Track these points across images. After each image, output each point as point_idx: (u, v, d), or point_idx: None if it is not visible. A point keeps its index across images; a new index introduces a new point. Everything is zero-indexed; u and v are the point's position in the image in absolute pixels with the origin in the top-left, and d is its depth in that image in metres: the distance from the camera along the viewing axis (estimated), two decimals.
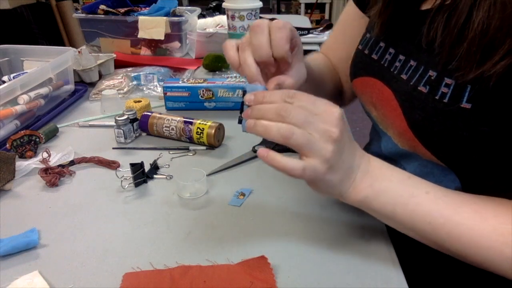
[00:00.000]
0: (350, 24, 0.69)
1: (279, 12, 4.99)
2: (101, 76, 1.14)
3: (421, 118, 0.48)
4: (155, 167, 0.71)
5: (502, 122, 0.43)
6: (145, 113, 0.83)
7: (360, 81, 0.62)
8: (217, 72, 1.20)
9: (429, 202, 0.45)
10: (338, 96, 0.76)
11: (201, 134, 0.77)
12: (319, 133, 0.41)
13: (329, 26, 1.56)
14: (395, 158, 0.59)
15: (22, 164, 0.72)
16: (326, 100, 0.42)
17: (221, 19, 1.46)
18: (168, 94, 0.94)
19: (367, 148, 0.70)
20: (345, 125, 0.42)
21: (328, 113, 0.41)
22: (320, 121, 0.41)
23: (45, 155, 0.73)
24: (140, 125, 0.83)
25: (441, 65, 0.46)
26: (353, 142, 0.46)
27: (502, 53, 0.39)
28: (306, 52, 1.41)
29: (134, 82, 1.09)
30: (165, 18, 1.24)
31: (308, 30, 1.53)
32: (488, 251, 0.43)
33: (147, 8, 1.32)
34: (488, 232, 0.43)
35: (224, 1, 1.11)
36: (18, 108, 0.83)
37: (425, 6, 0.52)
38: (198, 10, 1.42)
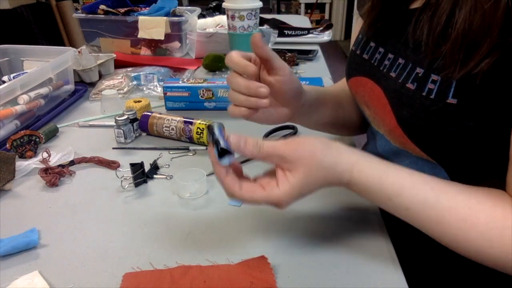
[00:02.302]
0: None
1: (279, 12, 4.99)
2: (101, 76, 1.14)
3: (409, 114, 0.49)
4: (155, 167, 0.71)
5: (487, 116, 0.44)
6: (145, 113, 0.83)
7: (354, 81, 0.63)
8: (217, 72, 1.20)
9: (408, 217, 0.47)
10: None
11: (201, 134, 0.77)
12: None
13: (329, 26, 1.56)
14: (388, 156, 0.60)
15: (22, 164, 0.72)
16: (268, 193, 0.46)
17: (221, 19, 1.46)
18: (168, 94, 0.94)
19: (364, 148, 0.70)
20: (295, 200, 0.46)
21: (272, 204, 0.46)
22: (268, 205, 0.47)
23: (45, 155, 0.73)
24: (140, 125, 0.83)
25: (427, 62, 0.47)
26: (326, 169, 0.46)
27: (484, 52, 0.41)
28: (308, 51, 1.40)
29: (134, 82, 1.09)
30: (165, 18, 1.24)
31: (308, 30, 1.53)
32: (475, 253, 0.44)
33: (147, 8, 1.32)
34: (475, 238, 0.43)
35: (224, 1, 1.11)
36: (18, 108, 0.83)
37: (414, 5, 0.53)
38: (198, 10, 1.42)
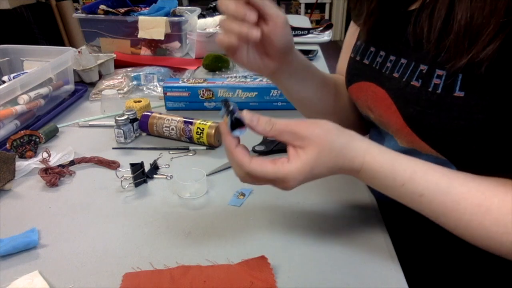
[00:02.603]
0: (352, 43, 0.70)
1: None
2: (101, 76, 1.14)
3: (416, 112, 0.49)
4: (155, 167, 0.71)
5: (496, 107, 0.43)
6: (145, 113, 0.83)
7: (355, 87, 0.63)
8: (217, 72, 1.20)
9: (422, 204, 0.46)
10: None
11: (201, 134, 0.77)
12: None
13: (329, 26, 1.55)
14: None
15: (22, 164, 0.72)
16: (283, 169, 0.45)
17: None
18: (168, 94, 0.94)
19: None
20: (304, 179, 0.45)
21: (280, 181, 0.45)
22: (276, 186, 0.47)
23: (45, 155, 0.73)
24: (140, 125, 0.83)
25: (431, 58, 0.47)
26: (338, 150, 0.46)
27: (487, 39, 0.41)
28: (308, 51, 1.40)
29: (134, 82, 1.09)
30: (165, 18, 1.24)
31: (308, 30, 1.53)
32: (489, 241, 0.44)
33: (147, 8, 1.32)
34: (490, 224, 0.43)
35: None
36: (18, 108, 0.83)
37: (413, 7, 0.53)
38: (198, 10, 1.42)
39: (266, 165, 0.45)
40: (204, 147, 0.78)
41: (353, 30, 0.69)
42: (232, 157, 0.46)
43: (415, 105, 0.49)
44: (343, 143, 0.46)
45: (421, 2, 0.50)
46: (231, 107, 0.47)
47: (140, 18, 1.25)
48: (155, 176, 0.70)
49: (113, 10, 1.29)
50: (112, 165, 0.73)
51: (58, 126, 0.86)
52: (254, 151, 0.75)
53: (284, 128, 0.46)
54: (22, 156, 0.76)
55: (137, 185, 0.67)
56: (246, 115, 0.47)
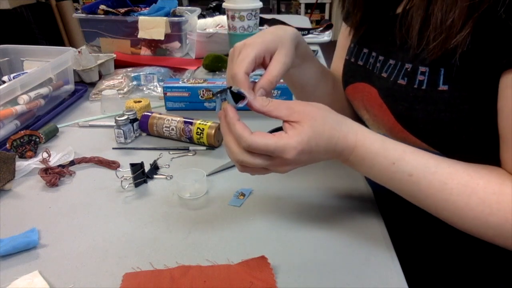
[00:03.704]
0: (344, 44, 0.71)
1: (279, 12, 4.99)
2: (101, 76, 1.14)
3: (404, 108, 0.51)
4: (155, 167, 0.71)
5: (479, 96, 0.45)
6: (145, 113, 0.83)
7: (351, 88, 0.65)
8: (217, 72, 1.20)
9: (412, 184, 0.47)
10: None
11: (201, 134, 0.77)
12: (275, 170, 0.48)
13: (329, 26, 1.56)
14: None
15: (22, 164, 0.72)
16: (282, 144, 0.45)
17: (221, 19, 1.46)
18: (168, 94, 0.94)
19: None
20: (302, 152, 0.45)
21: (279, 153, 0.45)
22: (273, 166, 0.47)
23: (45, 155, 0.73)
24: (140, 125, 0.83)
25: (413, 55, 0.50)
26: (332, 124, 0.47)
27: (459, 25, 0.43)
28: None
29: (134, 82, 1.09)
30: (165, 18, 1.24)
31: (308, 30, 1.53)
32: (475, 222, 0.45)
33: (147, 8, 1.32)
34: (476, 204, 0.44)
35: (224, 1, 1.11)
36: (18, 108, 0.83)
37: (400, 10, 0.55)
38: (198, 10, 1.42)
39: (267, 136, 0.45)
40: (204, 147, 0.78)
41: (346, 33, 0.70)
42: (234, 128, 0.46)
43: (403, 101, 0.51)
44: (337, 118, 0.48)
45: (404, 4, 0.52)
46: (226, 87, 0.48)
47: (140, 18, 1.25)
48: (155, 176, 0.70)
49: (113, 10, 1.29)
50: (112, 165, 0.73)
51: (58, 126, 0.86)
52: None
53: (279, 103, 0.47)
54: (22, 156, 0.76)
55: (137, 185, 0.67)
56: (243, 90, 0.48)
